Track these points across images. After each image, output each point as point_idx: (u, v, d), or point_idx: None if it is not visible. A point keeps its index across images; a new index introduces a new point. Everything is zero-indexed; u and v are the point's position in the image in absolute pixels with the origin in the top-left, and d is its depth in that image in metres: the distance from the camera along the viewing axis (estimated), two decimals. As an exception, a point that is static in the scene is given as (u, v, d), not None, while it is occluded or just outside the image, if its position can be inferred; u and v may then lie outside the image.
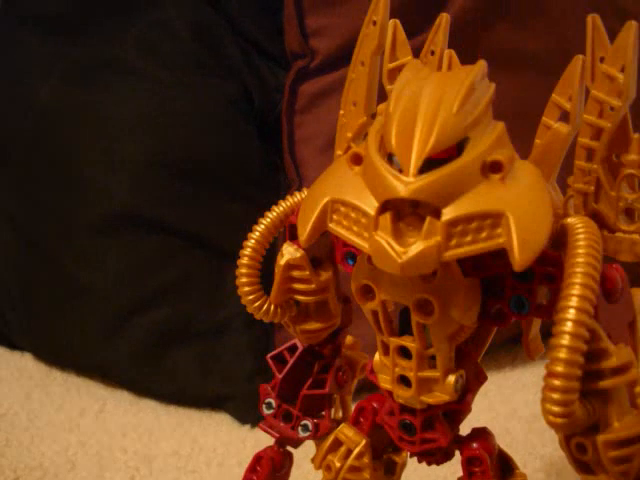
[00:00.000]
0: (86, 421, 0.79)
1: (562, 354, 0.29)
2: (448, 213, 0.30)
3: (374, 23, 0.39)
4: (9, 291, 0.90)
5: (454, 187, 0.30)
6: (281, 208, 0.40)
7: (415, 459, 0.40)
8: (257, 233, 0.39)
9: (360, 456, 0.40)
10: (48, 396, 0.84)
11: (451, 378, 0.35)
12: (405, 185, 0.30)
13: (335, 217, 0.33)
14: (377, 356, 0.37)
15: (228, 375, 0.82)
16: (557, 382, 0.30)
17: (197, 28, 0.86)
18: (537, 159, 0.37)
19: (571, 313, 0.30)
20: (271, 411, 0.43)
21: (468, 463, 0.37)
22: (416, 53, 0.41)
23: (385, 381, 0.37)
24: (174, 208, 0.82)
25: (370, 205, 0.31)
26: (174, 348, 0.82)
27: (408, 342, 0.35)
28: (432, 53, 0.40)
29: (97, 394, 0.85)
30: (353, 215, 0.32)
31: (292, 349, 0.43)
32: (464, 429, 0.39)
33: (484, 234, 0.30)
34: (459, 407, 0.37)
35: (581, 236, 0.31)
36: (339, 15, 0.82)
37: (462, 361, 0.36)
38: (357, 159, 0.33)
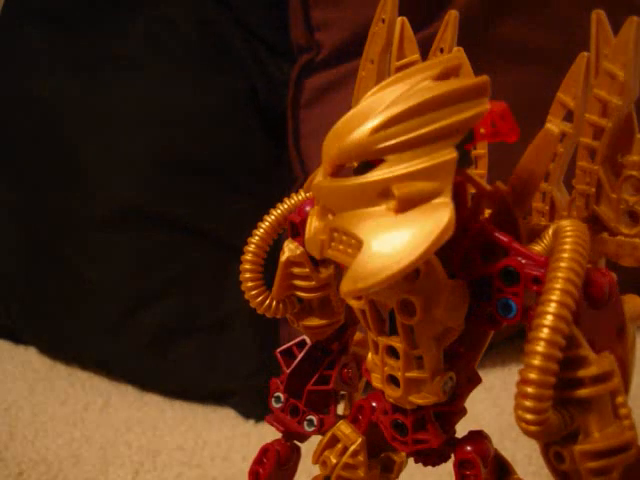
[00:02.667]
0: (90, 415, 0.79)
1: (536, 361, 0.29)
2: (333, 221, 0.31)
3: (383, 21, 0.39)
4: (14, 285, 0.90)
5: (348, 200, 0.30)
6: (285, 206, 0.40)
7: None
8: (261, 230, 0.39)
9: (355, 454, 0.39)
10: (52, 390, 0.84)
11: (439, 379, 0.35)
12: (317, 184, 0.31)
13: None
14: (370, 355, 0.37)
15: (232, 370, 0.82)
16: (530, 389, 0.29)
17: (202, 23, 0.86)
18: (530, 158, 0.36)
19: (548, 319, 0.29)
20: (279, 405, 0.43)
21: (460, 466, 0.37)
22: (422, 46, 0.40)
23: (376, 380, 0.37)
24: (178, 203, 0.82)
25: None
26: (178, 343, 0.82)
27: (396, 342, 0.35)
28: (441, 50, 0.40)
29: (101, 388, 0.85)
30: None
31: (301, 345, 0.43)
32: (467, 428, 0.38)
33: (350, 250, 0.30)
34: (450, 409, 0.36)
35: (568, 239, 0.31)
36: (345, 8, 0.81)
37: (454, 363, 0.36)
38: None
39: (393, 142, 0.29)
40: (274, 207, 0.41)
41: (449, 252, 0.32)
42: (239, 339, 0.82)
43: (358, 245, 0.30)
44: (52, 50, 0.88)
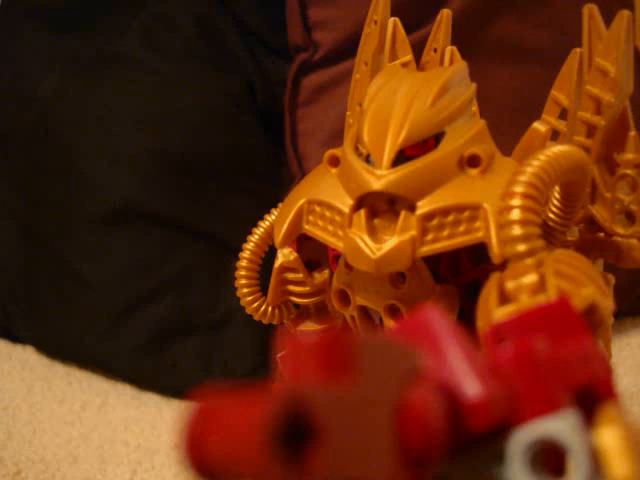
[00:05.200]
0: (88, 414, 0.79)
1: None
2: (423, 206, 0.29)
3: (375, 22, 0.39)
4: (11, 284, 0.90)
5: (429, 180, 0.29)
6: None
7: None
8: (255, 236, 0.39)
9: None
10: (50, 389, 0.84)
11: None
12: (378, 178, 0.29)
13: (311, 218, 0.32)
14: None
15: (230, 369, 0.82)
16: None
17: (200, 21, 0.86)
18: (517, 157, 0.36)
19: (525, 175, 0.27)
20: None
21: None
22: (416, 48, 0.40)
23: None
24: (176, 202, 0.82)
25: (345, 203, 0.31)
26: (176, 342, 0.82)
27: None
28: (434, 51, 0.40)
29: (99, 388, 0.85)
30: (328, 214, 0.31)
31: None
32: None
33: (462, 228, 0.29)
34: None
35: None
36: (342, 7, 0.81)
37: None
38: (334, 161, 0.32)
39: (448, 111, 0.30)
40: (272, 207, 0.41)
41: (437, 257, 0.32)
42: (237, 338, 0.82)
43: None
44: (50, 49, 0.88)
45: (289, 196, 0.35)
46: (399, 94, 0.31)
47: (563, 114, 0.38)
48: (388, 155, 0.29)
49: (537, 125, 0.36)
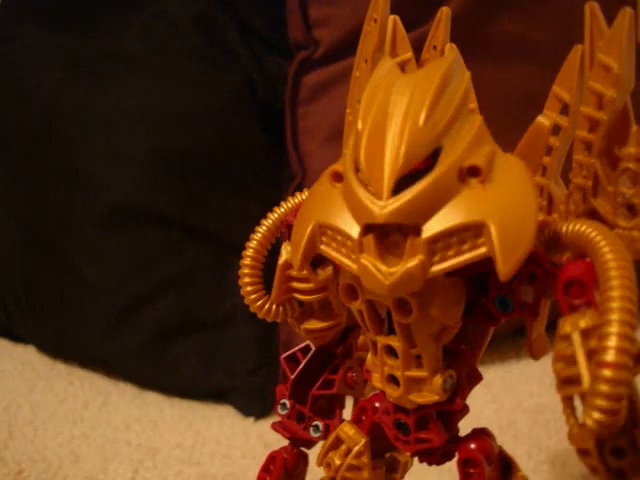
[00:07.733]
0: (90, 414, 0.79)
1: (612, 342, 0.27)
2: (428, 230, 0.29)
3: (375, 20, 0.39)
4: (13, 284, 0.90)
5: (431, 201, 0.29)
6: (282, 209, 0.40)
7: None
8: (259, 234, 0.39)
9: (359, 455, 0.39)
10: (52, 389, 0.84)
11: (439, 378, 0.35)
12: (380, 209, 0.29)
13: (324, 239, 0.32)
14: (369, 355, 0.37)
15: (232, 367, 0.82)
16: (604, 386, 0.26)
17: (200, 20, 0.86)
18: (521, 153, 0.36)
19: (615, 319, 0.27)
20: (285, 412, 0.43)
21: (464, 464, 0.37)
22: (416, 45, 0.40)
23: (376, 380, 0.36)
24: (177, 201, 0.82)
25: (353, 229, 0.31)
26: (178, 341, 0.82)
27: (394, 341, 0.34)
28: (434, 48, 0.40)
29: (101, 387, 0.85)
30: (339, 238, 0.31)
31: (305, 350, 0.43)
32: (469, 426, 0.38)
33: (467, 245, 0.29)
34: (451, 407, 0.36)
35: (612, 264, 0.29)
36: (342, 5, 0.81)
37: (454, 361, 0.36)
38: (337, 177, 0.32)
39: (443, 123, 0.30)
40: (273, 205, 0.41)
41: None
42: (238, 337, 0.82)
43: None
44: (51, 48, 0.88)
45: (299, 216, 0.34)
46: (391, 108, 0.30)
47: (564, 110, 0.38)
48: (387, 186, 0.29)
49: (541, 119, 0.36)
